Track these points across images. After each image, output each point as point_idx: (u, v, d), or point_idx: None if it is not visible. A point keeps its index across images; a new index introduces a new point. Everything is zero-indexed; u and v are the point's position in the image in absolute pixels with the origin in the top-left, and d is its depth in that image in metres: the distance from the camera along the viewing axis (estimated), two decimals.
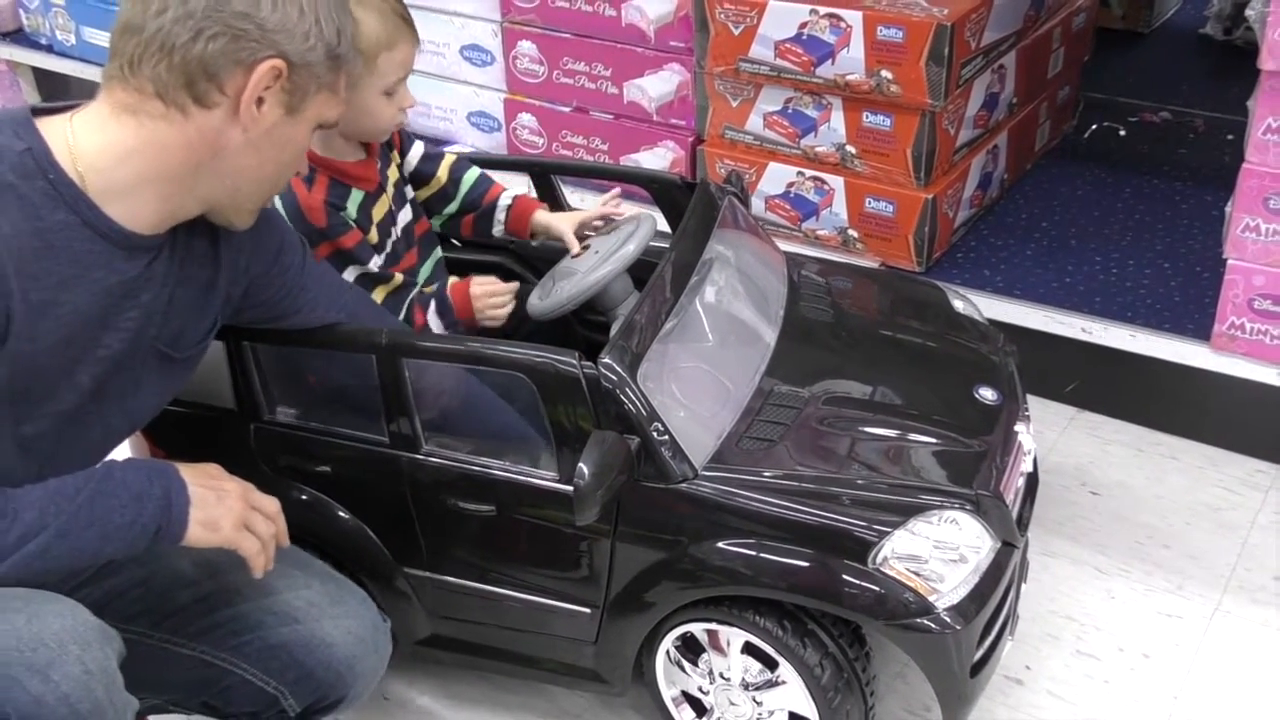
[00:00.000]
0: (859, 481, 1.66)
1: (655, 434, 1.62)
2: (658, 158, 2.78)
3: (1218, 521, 2.28)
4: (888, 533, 1.61)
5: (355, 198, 1.86)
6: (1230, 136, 2.99)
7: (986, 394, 1.83)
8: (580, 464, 1.55)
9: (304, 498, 1.83)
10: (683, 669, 1.80)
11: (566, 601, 1.78)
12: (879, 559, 1.60)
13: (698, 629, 1.74)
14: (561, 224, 2.02)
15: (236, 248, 1.54)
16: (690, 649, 1.78)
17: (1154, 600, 2.13)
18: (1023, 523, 1.78)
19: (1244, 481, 2.36)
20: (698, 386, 1.76)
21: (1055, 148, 3.01)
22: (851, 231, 2.58)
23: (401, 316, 1.87)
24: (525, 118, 2.96)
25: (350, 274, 1.84)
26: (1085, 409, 2.56)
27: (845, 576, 1.61)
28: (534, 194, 2.17)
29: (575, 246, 1.97)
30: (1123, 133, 3.06)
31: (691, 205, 1.93)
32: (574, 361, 1.63)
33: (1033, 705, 1.94)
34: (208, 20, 1.30)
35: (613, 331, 1.85)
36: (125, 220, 1.36)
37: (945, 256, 2.59)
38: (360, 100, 1.76)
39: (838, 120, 2.51)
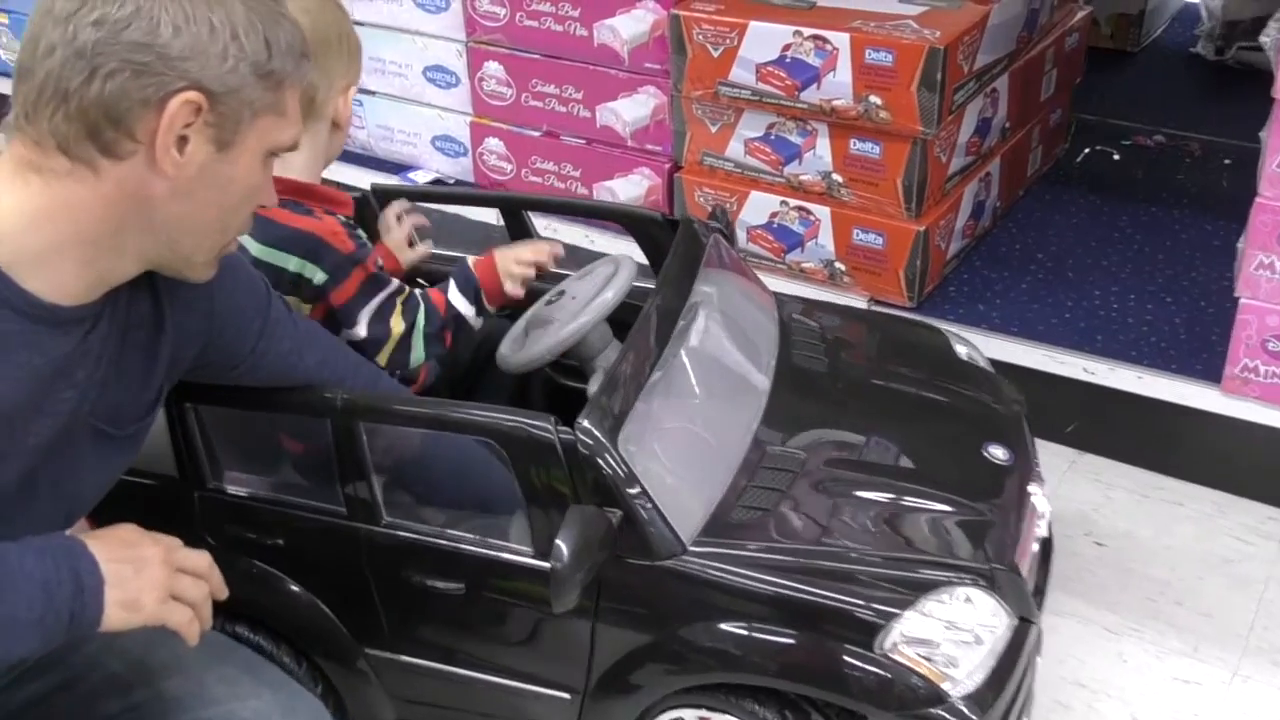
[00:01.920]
0: (863, 555, 1.52)
1: (639, 506, 1.48)
2: (633, 185, 2.64)
3: (1231, 575, 2.15)
4: (896, 614, 1.47)
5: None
6: (1228, 161, 2.88)
7: (997, 452, 1.69)
8: (557, 542, 1.40)
9: (254, 571, 1.66)
10: None
11: (544, 686, 1.62)
12: (887, 643, 1.46)
13: (689, 715, 1.59)
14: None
15: (185, 307, 1.36)
16: None
17: (1168, 664, 2.00)
18: (1039, 593, 1.64)
19: (1255, 530, 2.24)
20: (685, 449, 1.62)
21: (1047, 173, 2.88)
22: (838, 264, 2.44)
23: (419, 305, 1.69)
24: (492, 142, 2.81)
25: (382, 295, 1.65)
26: (1086, 450, 2.43)
27: (850, 662, 1.47)
28: (505, 229, 2.02)
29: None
30: (1116, 157, 2.95)
31: (675, 245, 1.78)
32: (549, 426, 1.48)
33: None
34: (100, 56, 1.11)
35: (590, 387, 1.71)
36: (47, 292, 1.18)
37: (937, 291, 2.46)
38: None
39: (823, 147, 2.37)
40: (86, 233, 1.18)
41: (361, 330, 1.64)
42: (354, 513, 1.59)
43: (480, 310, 1.76)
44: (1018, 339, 2.31)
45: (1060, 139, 2.94)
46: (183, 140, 1.16)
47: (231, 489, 1.65)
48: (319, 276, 1.62)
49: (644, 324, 1.62)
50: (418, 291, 1.73)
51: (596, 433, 1.47)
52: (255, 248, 1.61)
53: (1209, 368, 2.18)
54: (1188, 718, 1.91)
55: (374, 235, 1.90)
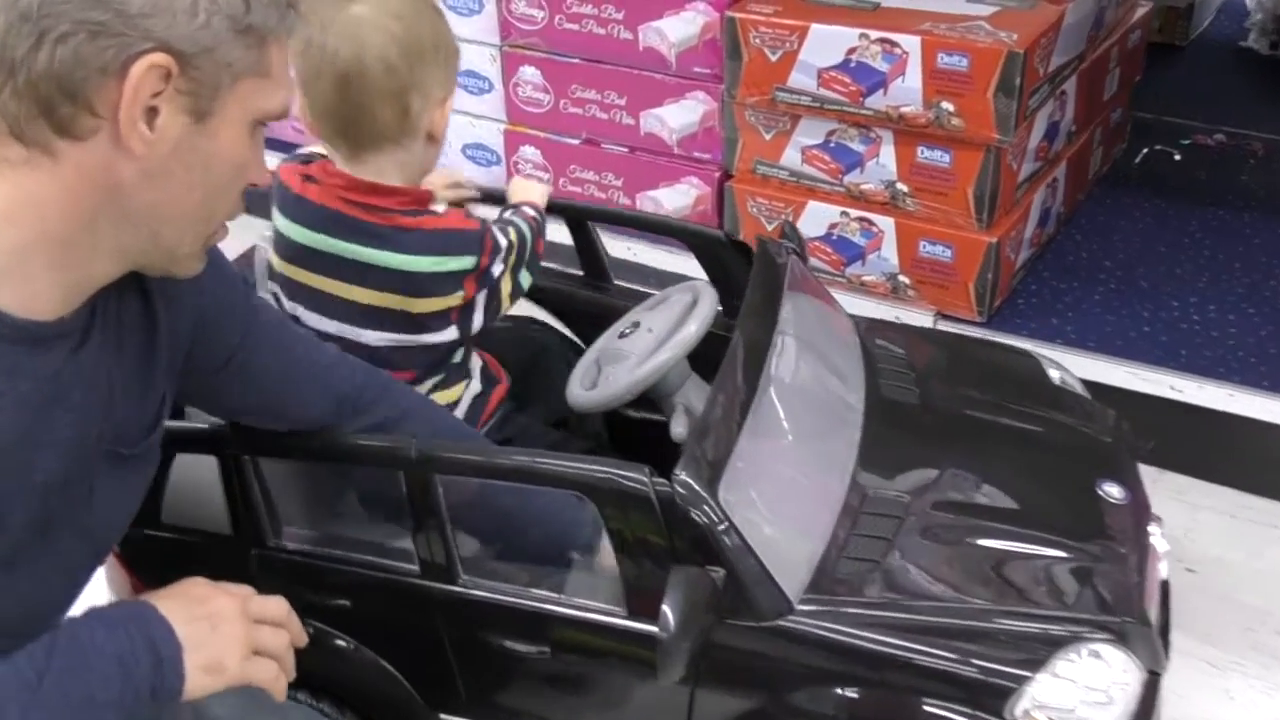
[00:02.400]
0: (985, 612, 1.40)
1: (744, 563, 1.36)
2: (679, 195, 2.52)
3: None
4: (1027, 677, 1.35)
5: None
6: None
7: (1112, 491, 1.57)
8: (664, 609, 1.28)
9: (315, 634, 1.53)
10: None
11: None
12: (1018, 709, 1.34)
13: None
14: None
15: (177, 303, 1.22)
16: None
17: (1277, 701, 1.89)
18: (1164, 640, 1.52)
19: None
20: (784, 497, 1.50)
21: (1107, 175, 2.77)
22: (903, 278, 2.32)
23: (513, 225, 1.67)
24: (528, 151, 2.68)
25: (502, 248, 1.62)
26: (1168, 469, 2.31)
27: None
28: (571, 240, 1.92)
29: (443, 205, 1.75)
30: (1177, 157, 2.83)
31: (755, 272, 1.65)
32: (643, 479, 1.36)
33: None
34: (49, 19, 0.95)
35: (674, 427, 1.59)
36: (20, 308, 1.03)
37: (1006, 304, 2.35)
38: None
39: (887, 155, 2.25)
40: (54, 232, 1.02)
41: (500, 266, 1.60)
42: (428, 572, 1.47)
43: (540, 215, 1.76)
44: (1097, 354, 2.20)
45: (1120, 139, 2.83)
46: (152, 112, 1.00)
47: (291, 546, 1.53)
48: (468, 262, 1.56)
49: (732, 361, 1.50)
50: (506, 218, 1.70)
51: (695, 485, 1.35)
52: (436, 263, 1.54)
53: None
54: None
55: None
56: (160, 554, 1.58)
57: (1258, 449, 2.20)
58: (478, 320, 1.61)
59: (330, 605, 1.53)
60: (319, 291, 1.58)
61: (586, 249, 1.91)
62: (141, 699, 1.08)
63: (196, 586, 1.17)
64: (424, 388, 1.61)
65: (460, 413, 1.65)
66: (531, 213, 1.74)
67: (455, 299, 1.56)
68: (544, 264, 1.76)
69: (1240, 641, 1.98)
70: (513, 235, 1.63)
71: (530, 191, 1.80)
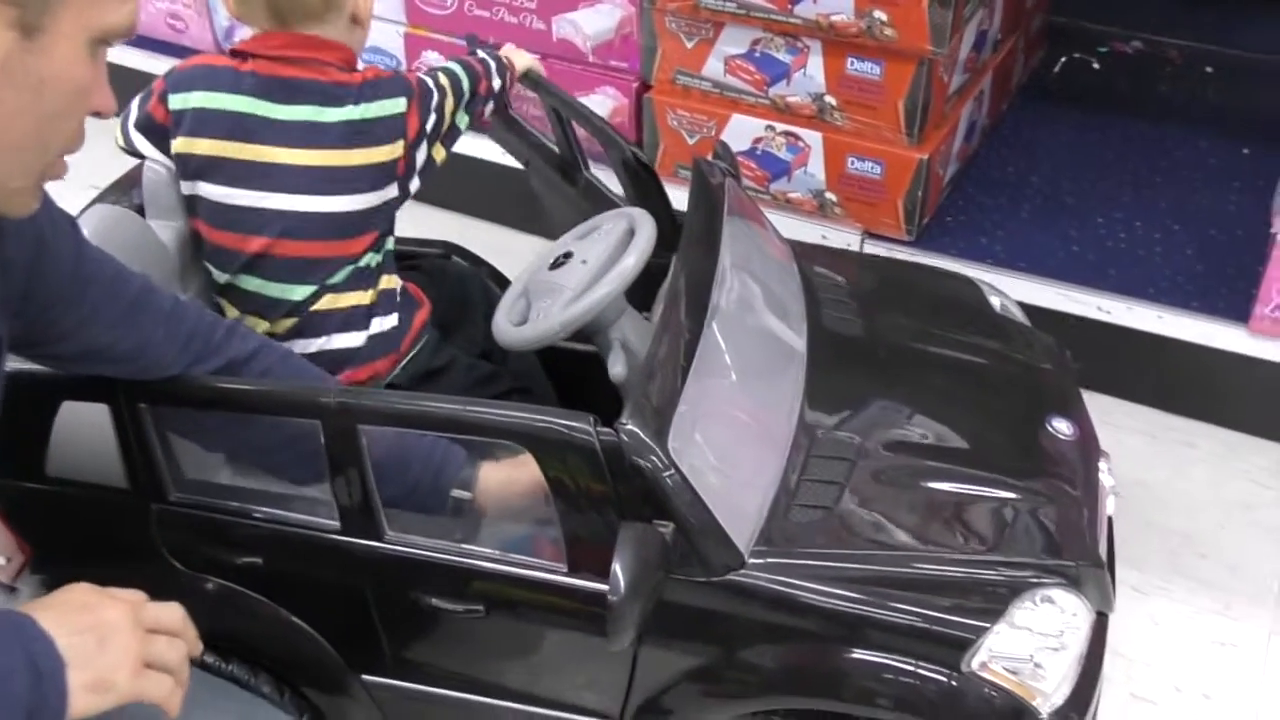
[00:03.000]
0: (940, 559, 1.35)
1: (694, 517, 1.27)
2: (595, 106, 2.38)
3: (1252, 522, 2.05)
4: (984, 628, 1.30)
5: None
6: (1209, 69, 2.74)
7: (1060, 427, 1.53)
8: (614, 570, 1.19)
9: (225, 594, 1.43)
10: None
11: (575, 713, 1.43)
12: (975, 661, 1.30)
13: None
14: None
15: (6, 229, 1.09)
16: None
17: (1203, 625, 1.89)
18: (1112, 579, 1.49)
19: (1272, 472, 2.14)
20: (733, 442, 1.42)
21: (1027, 85, 2.71)
22: (829, 195, 2.24)
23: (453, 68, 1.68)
24: (431, 56, 2.51)
25: (433, 97, 1.61)
26: (1090, 389, 2.29)
27: (935, 684, 1.30)
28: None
29: None
30: (1096, 65, 2.78)
31: (692, 197, 1.55)
32: (588, 428, 1.26)
33: None
34: None
35: (612, 367, 1.49)
36: None
37: (934, 222, 2.28)
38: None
39: (815, 66, 2.15)
40: None
41: (433, 116, 1.60)
42: (350, 528, 1.36)
43: (502, 74, 1.74)
44: (1028, 275, 2.15)
45: (1039, 47, 2.76)
46: None
47: (197, 501, 1.40)
48: (400, 105, 1.56)
49: (674, 296, 1.40)
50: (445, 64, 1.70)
51: (642, 434, 1.26)
52: (370, 109, 1.53)
53: (1231, 305, 2.06)
54: (1229, 683, 1.81)
55: None
56: (47, 509, 1.44)
57: (1181, 369, 2.19)
58: (415, 182, 1.59)
59: (242, 564, 1.41)
60: (257, 163, 1.51)
61: (563, 139, 1.84)
62: None
63: (82, 594, 1.04)
64: (339, 277, 1.55)
65: (379, 331, 1.57)
66: (488, 60, 1.71)
67: (397, 148, 1.54)
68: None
69: (1164, 566, 1.98)
70: (443, 79, 1.62)
71: (514, 54, 1.77)
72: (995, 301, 1.76)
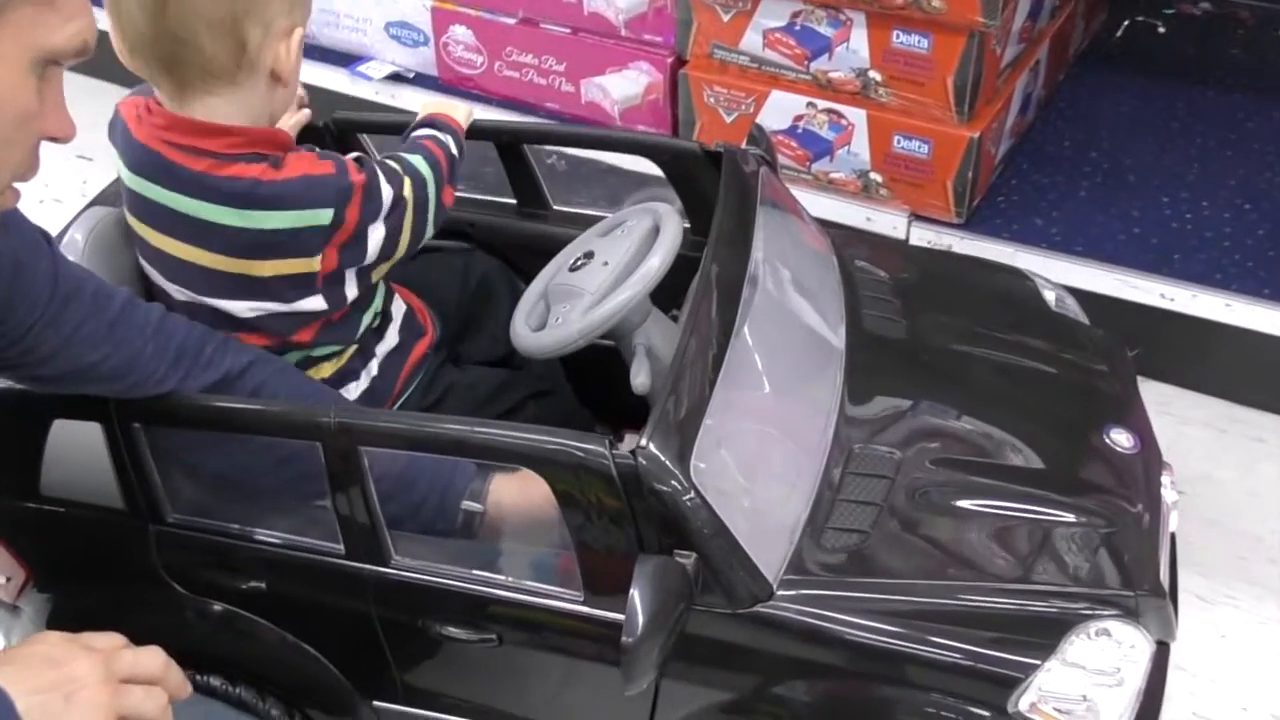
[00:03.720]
0: (986, 590, 1.25)
1: (718, 546, 1.18)
2: (628, 82, 2.29)
3: None
4: (1034, 665, 1.21)
5: None
6: None
7: (1121, 439, 1.42)
8: (630, 607, 1.11)
9: (230, 618, 1.36)
10: None
11: None
12: (1023, 702, 1.20)
13: None
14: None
15: None
16: None
17: (1271, 637, 1.78)
18: (1174, 604, 1.39)
19: None
20: (762, 460, 1.32)
21: (1086, 51, 2.56)
22: (874, 175, 2.12)
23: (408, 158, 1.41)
24: (459, 30, 2.42)
25: (385, 190, 1.35)
26: (1151, 378, 2.17)
27: None
28: (501, 168, 1.67)
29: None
30: (1161, 29, 2.62)
31: (724, 190, 1.44)
32: (602, 451, 1.17)
33: None
34: None
35: (635, 377, 1.40)
36: None
37: (985, 203, 2.16)
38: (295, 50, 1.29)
39: (859, 40, 2.02)
40: None
41: (382, 228, 1.34)
42: (354, 552, 1.29)
43: (459, 142, 1.50)
44: (1085, 260, 2.03)
45: (1100, 10, 2.61)
46: None
47: (196, 524, 1.33)
48: (325, 216, 1.29)
49: (701, 300, 1.30)
50: (394, 154, 1.42)
51: (663, 458, 1.16)
52: (266, 219, 1.29)
53: None
54: None
55: None
56: (44, 528, 1.38)
57: (1252, 359, 2.06)
58: (350, 290, 1.36)
59: (245, 588, 1.34)
60: (163, 252, 1.34)
61: (520, 174, 1.67)
62: None
63: (49, 646, 0.97)
64: (319, 352, 1.40)
65: (372, 372, 1.45)
66: (441, 137, 1.47)
67: (313, 263, 1.31)
68: (466, 194, 1.52)
69: (1232, 573, 1.86)
70: (407, 187, 1.36)
71: (447, 109, 1.54)
72: (1050, 296, 1.65)
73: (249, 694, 1.40)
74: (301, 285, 1.32)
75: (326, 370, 1.41)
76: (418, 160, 1.40)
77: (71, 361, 1.16)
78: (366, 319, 1.42)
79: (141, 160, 1.31)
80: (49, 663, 0.95)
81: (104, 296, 1.19)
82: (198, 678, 1.39)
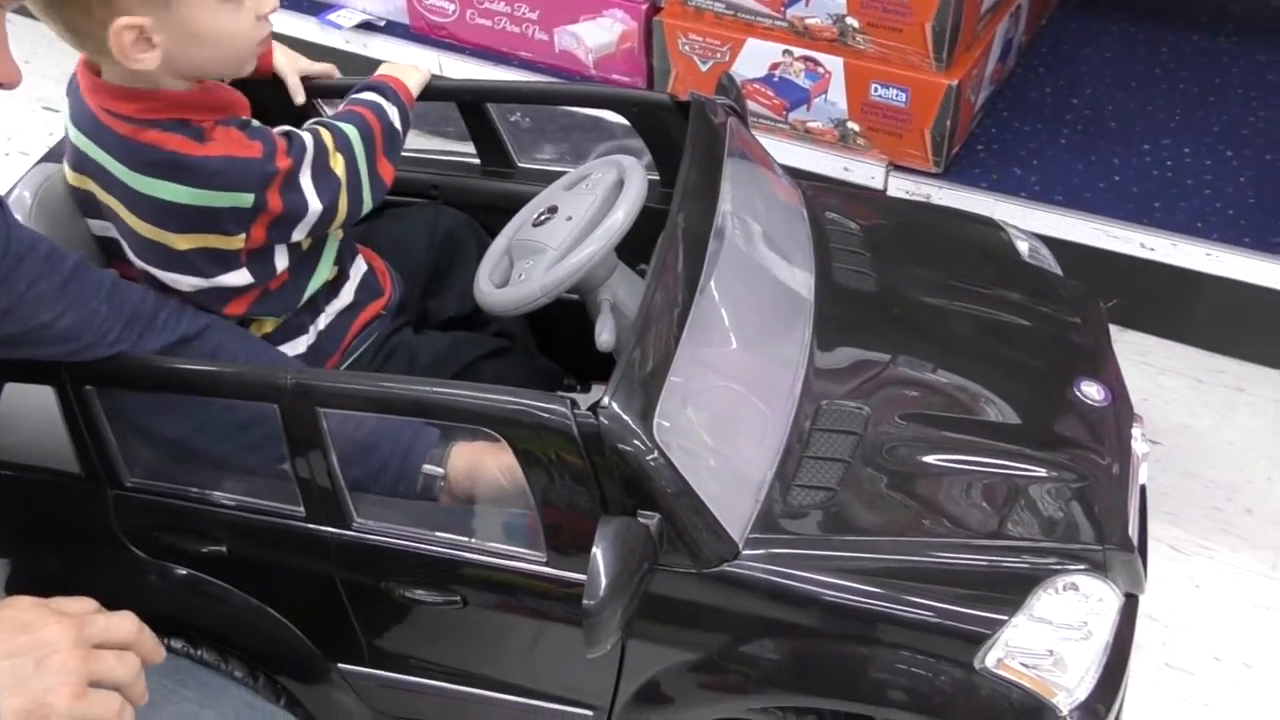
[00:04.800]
0: (954, 546, 1.24)
1: (682, 506, 1.17)
2: (603, 30, 2.24)
3: None
4: (1001, 621, 1.20)
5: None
6: None
7: (1091, 391, 1.40)
8: (592, 570, 1.09)
9: (192, 581, 1.35)
10: None
11: (559, 703, 1.35)
12: (990, 658, 1.20)
13: None
14: (284, 66, 1.51)
15: None
16: None
17: (1245, 587, 1.78)
18: (1143, 555, 1.38)
19: None
20: (728, 418, 1.30)
21: None
22: (851, 124, 2.09)
23: (341, 129, 1.37)
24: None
25: (310, 154, 1.32)
26: (1129, 328, 2.15)
27: (946, 684, 1.20)
28: (463, 124, 1.63)
29: (301, 95, 1.50)
30: None
31: (690, 141, 1.41)
32: (564, 410, 1.15)
33: None
34: None
35: (600, 334, 1.38)
36: None
37: (964, 151, 2.13)
38: (202, 20, 1.22)
39: None
40: None
41: (316, 203, 1.31)
42: (315, 515, 1.27)
43: (402, 111, 1.45)
44: (1064, 209, 2.00)
45: None
46: None
47: (155, 487, 1.31)
48: (245, 199, 1.27)
49: (669, 255, 1.27)
50: (331, 122, 1.38)
51: (625, 417, 1.14)
52: (182, 193, 1.25)
53: None
54: (1275, 651, 1.70)
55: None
56: (8, 494, 1.36)
57: (1232, 308, 2.04)
58: (280, 261, 1.34)
59: (206, 552, 1.32)
60: (113, 211, 1.31)
61: (484, 133, 1.63)
62: None
63: (20, 611, 0.97)
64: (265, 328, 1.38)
65: (319, 327, 1.43)
66: (384, 106, 1.42)
67: (234, 241, 1.29)
68: (430, 154, 1.48)
69: (1207, 524, 1.86)
70: (339, 163, 1.33)
71: (400, 72, 1.49)
72: (1023, 247, 1.62)
73: (211, 657, 1.39)
74: (222, 261, 1.30)
75: (268, 325, 1.38)
76: (351, 130, 1.37)
77: (24, 321, 1.14)
78: (312, 287, 1.40)
79: (81, 116, 1.29)
80: (19, 627, 0.95)
81: (57, 257, 1.16)
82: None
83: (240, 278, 1.31)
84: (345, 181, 1.34)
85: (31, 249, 1.14)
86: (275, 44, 1.51)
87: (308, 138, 1.33)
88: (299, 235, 1.33)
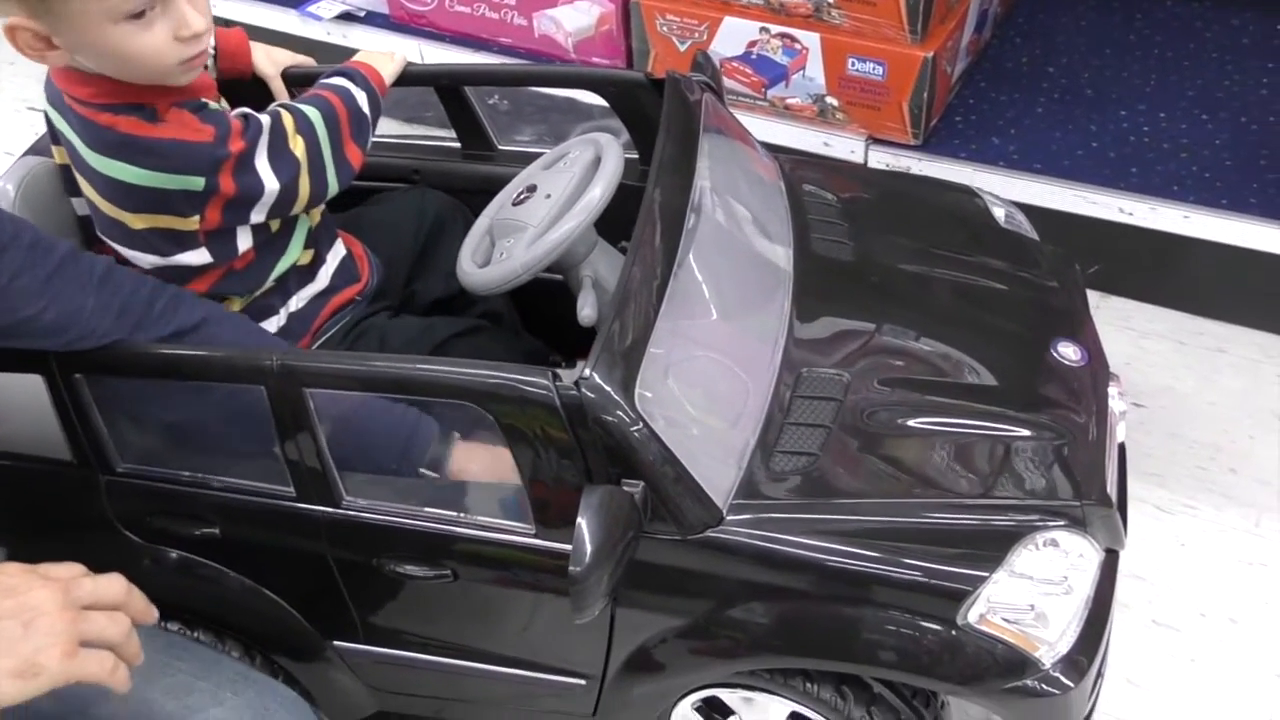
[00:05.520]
0: (933, 506, 1.26)
1: (666, 474, 1.19)
2: (580, 13, 2.25)
3: None
4: (982, 578, 1.22)
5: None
6: None
7: (1068, 352, 1.42)
8: (578, 539, 1.11)
9: (186, 565, 1.37)
10: None
11: (552, 674, 1.37)
12: (972, 614, 1.22)
13: (730, 695, 1.35)
14: (266, 67, 1.52)
15: None
16: (717, 709, 1.39)
17: (1230, 544, 1.80)
18: (1123, 512, 1.40)
19: None
20: (709, 387, 1.32)
21: None
22: (830, 99, 2.10)
23: (304, 111, 1.38)
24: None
25: (265, 134, 1.32)
26: (1111, 293, 2.17)
27: (928, 640, 1.22)
28: (443, 109, 1.65)
29: (284, 93, 1.51)
30: None
31: (665, 117, 1.43)
32: (545, 383, 1.17)
33: (1110, 701, 1.61)
34: None
35: (582, 309, 1.40)
36: None
37: (943, 123, 2.14)
38: (93, 36, 1.20)
39: None
40: None
41: (274, 183, 1.32)
42: (305, 494, 1.29)
43: (372, 96, 1.45)
44: (1042, 177, 2.02)
45: None
46: None
47: (148, 471, 1.33)
48: (196, 183, 1.28)
49: (646, 230, 1.29)
50: (293, 105, 1.39)
51: (607, 388, 1.16)
52: (134, 174, 1.27)
53: (1263, 200, 1.92)
54: (1259, 606, 1.72)
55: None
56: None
57: (1211, 270, 2.06)
58: (243, 242, 1.35)
59: (199, 535, 1.34)
60: (84, 187, 1.33)
61: (463, 117, 1.64)
62: None
63: (7, 576, 0.98)
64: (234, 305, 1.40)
65: (290, 309, 1.44)
66: (351, 90, 1.43)
67: (189, 222, 1.31)
68: (410, 139, 1.49)
69: (1191, 483, 1.88)
70: (299, 146, 1.34)
71: (374, 60, 1.50)
72: (999, 213, 1.64)
73: (207, 639, 1.41)
74: (179, 240, 1.32)
75: (236, 304, 1.40)
76: (313, 113, 1.38)
77: (6, 315, 1.15)
78: (280, 268, 1.41)
79: (54, 95, 1.31)
80: (6, 591, 0.97)
81: (43, 249, 1.17)
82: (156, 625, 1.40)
83: (199, 257, 1.33)
84: (307, 163, 1.35)
85: (14, 240, 1.15)
86: (254, 44, 1.53)
87: (265, 120, 1.34)
88: (258, 217, 1.34)
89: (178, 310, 1.27)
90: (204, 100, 1.32)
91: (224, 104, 1.39)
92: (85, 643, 0.99)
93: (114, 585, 1.03)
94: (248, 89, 1.50)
